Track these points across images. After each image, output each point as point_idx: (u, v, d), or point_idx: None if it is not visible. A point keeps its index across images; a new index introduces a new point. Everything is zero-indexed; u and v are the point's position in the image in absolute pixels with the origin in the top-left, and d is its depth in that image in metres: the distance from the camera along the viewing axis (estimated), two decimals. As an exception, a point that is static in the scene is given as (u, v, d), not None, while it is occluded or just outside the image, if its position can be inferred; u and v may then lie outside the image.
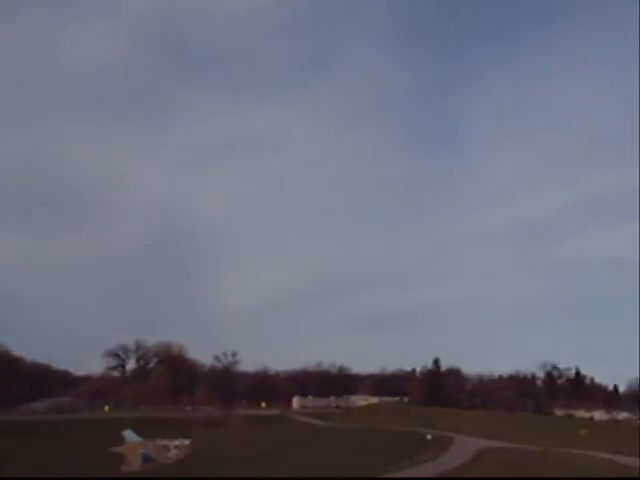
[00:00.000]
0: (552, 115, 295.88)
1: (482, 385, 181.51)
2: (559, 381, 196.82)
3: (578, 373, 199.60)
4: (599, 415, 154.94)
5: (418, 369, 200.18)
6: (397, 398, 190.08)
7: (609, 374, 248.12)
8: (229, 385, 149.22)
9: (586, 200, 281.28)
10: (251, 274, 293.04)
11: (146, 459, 26.98)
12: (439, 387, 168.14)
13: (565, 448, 59.81)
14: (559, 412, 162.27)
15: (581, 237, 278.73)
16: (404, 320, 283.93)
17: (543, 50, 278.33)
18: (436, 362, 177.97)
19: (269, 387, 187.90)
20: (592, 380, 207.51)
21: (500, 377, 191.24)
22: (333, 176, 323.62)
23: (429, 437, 66.06)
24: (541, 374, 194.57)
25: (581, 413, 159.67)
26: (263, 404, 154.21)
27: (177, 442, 27.61)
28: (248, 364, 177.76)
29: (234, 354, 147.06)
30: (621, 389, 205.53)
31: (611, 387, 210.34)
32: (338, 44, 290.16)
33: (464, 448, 55.59)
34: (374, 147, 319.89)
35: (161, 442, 27.70)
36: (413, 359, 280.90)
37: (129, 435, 27.96)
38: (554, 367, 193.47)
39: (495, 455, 49.46)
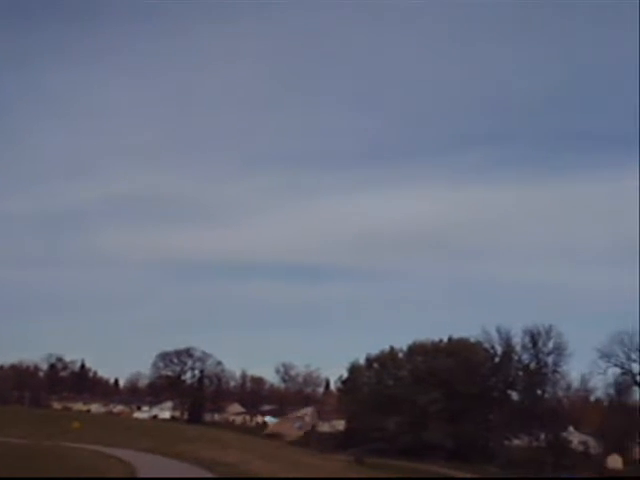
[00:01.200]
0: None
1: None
2: (63, 373, 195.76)
3: (83, 366, 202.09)
4: (96, 408, 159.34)
5: None
6: None
7: (112, 368, 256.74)
8: None
9: (124, 196, 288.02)
10: None
11: (300, 427, 31.08)
12: None
13: (57, 441, 58.92)
14: (57, 405, 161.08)
15: (119, 232, 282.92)
16: None
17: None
18: None
19: None
20: (95, 373, 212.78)
21: (1, 367, 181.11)
22: None
23: None
24: (45, 366, 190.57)
25: (79, 406, 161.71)
26: None
27: (303, 411, 32.27)
28: None
29: None
30: (122, 383, 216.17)
31: (112, 381, 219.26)
32: None
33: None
34: None
35: (295, 415, 32.00)
36: None
37: (270, 419, 31.83)
38: (59, 359, 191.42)
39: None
